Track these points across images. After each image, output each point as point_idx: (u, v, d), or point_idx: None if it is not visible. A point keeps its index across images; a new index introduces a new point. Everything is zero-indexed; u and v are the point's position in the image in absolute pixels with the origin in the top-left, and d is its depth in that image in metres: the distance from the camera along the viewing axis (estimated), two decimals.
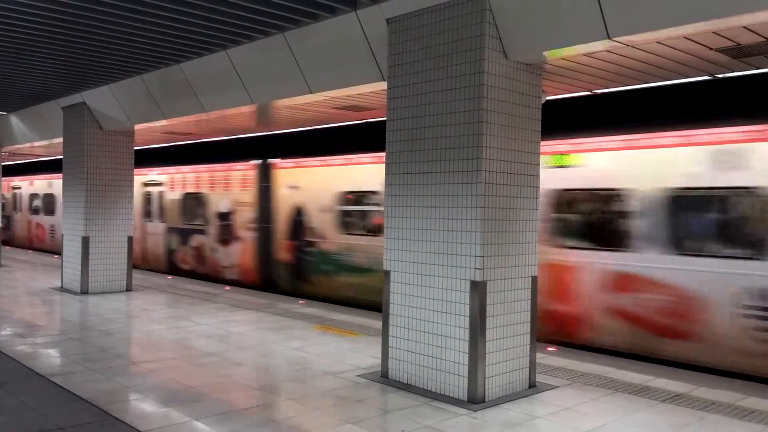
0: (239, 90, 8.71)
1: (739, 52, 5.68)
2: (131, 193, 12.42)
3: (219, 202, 14.59)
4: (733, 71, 6.47)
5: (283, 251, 13.04)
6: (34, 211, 23.58)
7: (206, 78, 9.18)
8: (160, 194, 16.51)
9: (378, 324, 7.85)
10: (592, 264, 8.21)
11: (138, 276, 14.00)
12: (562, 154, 8.62)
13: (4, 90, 11.71)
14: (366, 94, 7.92)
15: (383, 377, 6.40)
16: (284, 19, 7.13)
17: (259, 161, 13.73)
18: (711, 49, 5.58)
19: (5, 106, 14.08)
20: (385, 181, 6.40)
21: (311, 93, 7.81)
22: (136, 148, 12.72)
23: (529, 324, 6.12)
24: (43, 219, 22.85)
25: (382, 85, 6.91)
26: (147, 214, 17.04)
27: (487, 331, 5.66)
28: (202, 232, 15.06)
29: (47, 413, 5.18)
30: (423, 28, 6.01)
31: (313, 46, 7.43)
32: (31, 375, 6.31)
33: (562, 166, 8.62)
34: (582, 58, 5.90)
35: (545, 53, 5.66)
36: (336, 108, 9.32)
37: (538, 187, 6.20)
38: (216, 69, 8.83)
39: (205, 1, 6.48)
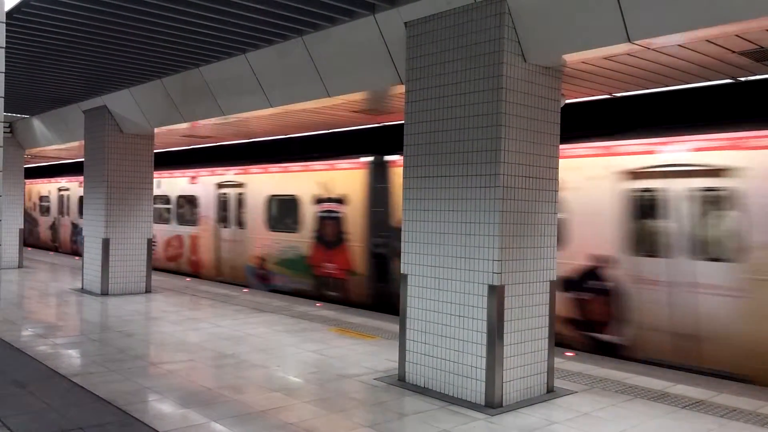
0: (258, 93, 8.76)
1: (762, 55, 5.61)
2: (151, 196, 12.54)
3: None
4: (755, 74, 6.39)
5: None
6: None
7: (225, 81, 9.24)
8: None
9: (395, 327, 7.85)
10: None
11: (157, 278, 14.12)
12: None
13: (28, 94, 11.88)
14: (384, 97, 7.93)
15: (400, 381, 6.39)
16: (303, 23, 7.17)
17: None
18: (733, 52, 5.52)
19: (28, 110, 14.29)
20: (403, 184, 6.41)
21: (329, 96, 7.83)
22: None
23: (547, 329, 6.08)
24: None
25: (400, 89, 6.91)
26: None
27: (505, 335, 5.63)
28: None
29: (68, 413, 5.24)
30: (441, 31, 6.01)
31: (332, 50, 7.45)
32: (52, 375, 6.39)
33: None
34: (602, 62, 5.86)
35: (564, 56, 5.64)
36: (354, 111, 9.35)
37: (556, 191, 6.16)
38: (235, 72, 8.89)
39: (224, 5, 6.53)
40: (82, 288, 12.61)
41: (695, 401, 5.90)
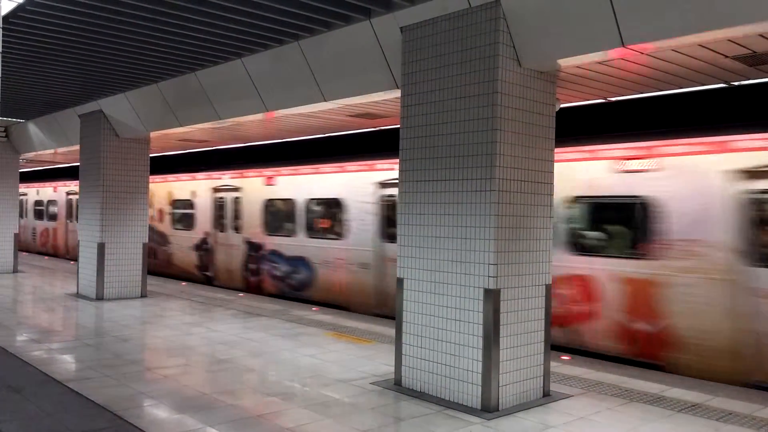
0: (254, 98, 8.77)
1: (755, 60, 5.65)
2: (146, 200, 12.52)
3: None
4: (748, 79, 6.43)
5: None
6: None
7: (221, 86, 9.25)
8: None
9: (391, 332, 7.85)
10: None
11: (152, 282, 14.09)
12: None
13: (23, 98, 11.87)
14: (380, 102, 7.94)
15: (396, 385, 6.39)
16: (299, 28, 7.18)
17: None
18: (726, 56, 5.55)
19: (23, 114, 14.27)
20: (399, 188, 6.42)
21: (325, 101, 7.85)
22: None
23: (543, 332, 6.09)
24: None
25: (396, 93, 6.93)
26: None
27: (501, 339, 5.64)
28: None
29: (63, 419, 5.22)
30: (437, 36, 6.03)
31: (327, 55, 7.47)
32: (47, 380, 6.36)
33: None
34: (596, 66, 5.88)
35: (559, 61, 5.66)
36: (350, 116, 9.36)
37: (551, 194, 6.18)
38: (231, 77, 8.89)
39: (220, 9, 6.54)
40: (77, 293, 12.57)
41: (691, 405, 5.91)
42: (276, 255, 13.50)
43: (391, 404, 5.91)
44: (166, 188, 17.00)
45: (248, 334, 8.94)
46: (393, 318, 8.20)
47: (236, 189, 14.55)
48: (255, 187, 14.04)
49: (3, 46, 8.13)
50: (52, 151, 15.67)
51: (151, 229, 16.81)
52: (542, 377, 6.10)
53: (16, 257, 16.56)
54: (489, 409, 5.56)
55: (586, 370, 7.17)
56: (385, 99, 7.63)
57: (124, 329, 9.12)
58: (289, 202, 13.22)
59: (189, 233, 16.10)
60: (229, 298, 12.55)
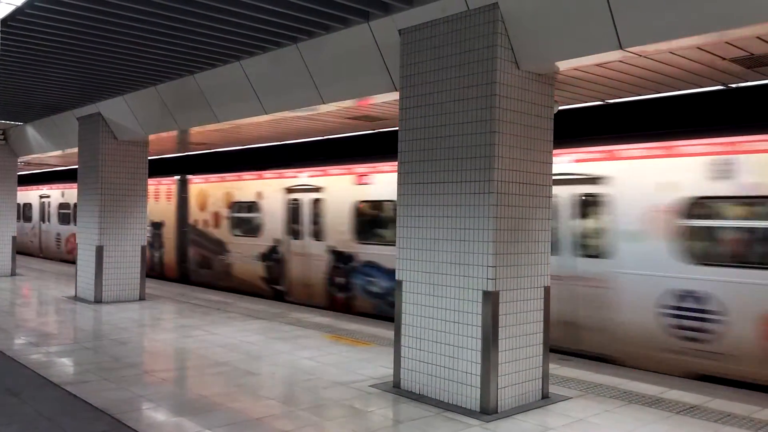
0: (252, 100, 8.78)
1: (753, 62, 5.67)
2: (145, 203, 12.51)
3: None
4: (746, 81, 6.45)
5: None
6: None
7: (220, 88, 9.25)
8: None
9: (390, 334, 7.85)
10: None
11: (151, 285, 14.08)
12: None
13: (21, 101, 11.86)
14: (378, 104, 7.96)
15: (395, 387, 6.38)
16: (297, 31, 7.19)
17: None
18: (724, 59, 5.57)
19: (22, 117, 14.26)
20: (398, 190, 6.42)
21: (324, 103, 7.85)
22: None
23: (541, 334, 6.09)
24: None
25: (395, 96, 6.94)
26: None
27: (500, 341, 5.64)
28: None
29: (61, 422, 5.22)
30: (435, 38, 6.04)
31: (326, 57, 7.48)
32: (45, 384, 6.35)
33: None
34: (594, 68, 5.91)
35: (557, 63, 5.67)
36: (349, 118, 9.37)
37: (550, 197, 6.19)
38: (229, 79, 8.90)
39: (218, 12, 6.54)
40: (76, 296, 12.55)
41: (689, 406, 5.92)
42: (372, 267, 11.25)
43: (390, 407, 5.91)
44: (223, 189, 14.74)
45: (247, 336, 8.93)
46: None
47: (316, 189, 12.38)
48: (342, 187, 11.83)
49: (1, 49, 8.14)
50: (49, 153, 15.66)
51: (204, 235, 15.24)
52: (541, 379, 6.10)
53: (14, 260, 16.53)
54: (488, 411, 5.56)
55: (585, 372, 7.17)
56: (383, 101, 7.65)
57: (123, 332, 9.11)
58: (390, 204, 10.90)
59: (254, 240, 13.81)
60: (227, 301, 12.54)
